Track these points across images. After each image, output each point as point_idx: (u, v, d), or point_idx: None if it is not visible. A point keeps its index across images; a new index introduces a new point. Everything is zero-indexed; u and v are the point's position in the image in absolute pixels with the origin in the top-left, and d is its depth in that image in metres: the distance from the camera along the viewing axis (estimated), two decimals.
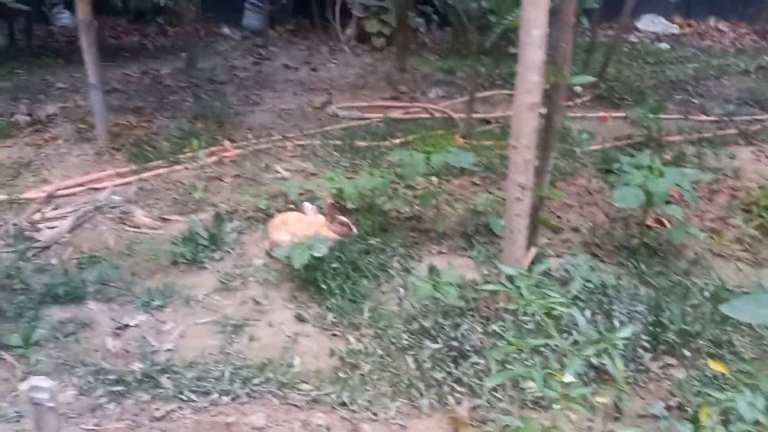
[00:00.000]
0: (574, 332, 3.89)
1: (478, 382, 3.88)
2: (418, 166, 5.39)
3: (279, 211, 6.08)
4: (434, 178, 6.33)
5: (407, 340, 4.31)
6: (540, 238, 5.27)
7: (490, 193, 6.37)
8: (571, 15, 4.34)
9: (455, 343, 4.13)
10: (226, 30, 14.25)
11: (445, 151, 5.44)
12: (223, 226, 5.83)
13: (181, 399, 3.88)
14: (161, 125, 8.55)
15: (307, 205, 5.47)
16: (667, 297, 4.62)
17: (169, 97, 9.79)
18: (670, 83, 10.62)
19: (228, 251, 5.60)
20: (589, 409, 3.05)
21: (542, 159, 4.46)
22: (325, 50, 12.93)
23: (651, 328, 4.24)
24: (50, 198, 6.62)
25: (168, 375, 4.10)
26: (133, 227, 6.10)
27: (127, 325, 4.64)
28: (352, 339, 4.47)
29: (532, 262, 4.46)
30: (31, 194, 6.69)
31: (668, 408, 3.70)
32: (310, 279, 4.99)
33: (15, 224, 6.00)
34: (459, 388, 3.86)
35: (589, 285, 4.71)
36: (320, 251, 4.89)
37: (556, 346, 3.08)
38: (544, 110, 4.40)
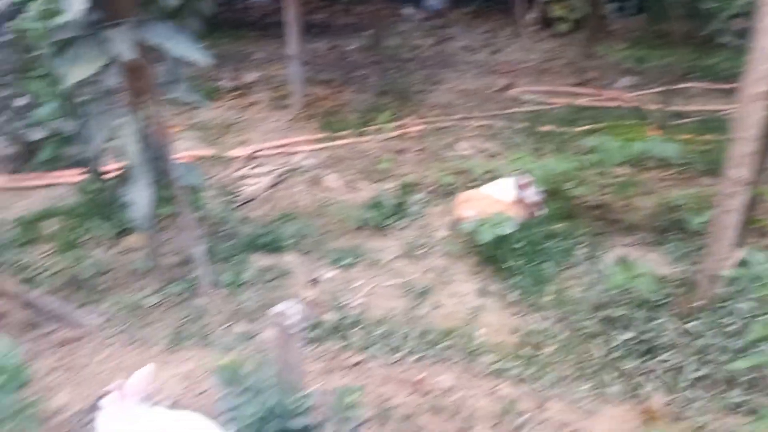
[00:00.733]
0: None
1: (671, 377, 3.73)
2: (615, 154, 5.22)
3: (462, 187, 6.16)
4: (629, 168, 6.10)
5: (594, 327, 4.23)
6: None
7: (688, 188, 6.02)
8: None
9: (648, 336, 4.00)
10: (407, 11, 14.53)
11: (645, 141, 5.22)
12: (407, 197, 6.01)
13: (370, 352, 4.06)
14: (349, 98, 8.93)
15: (508, 180, 5.48)
16: None
17: (355, 71, 10.19)
18: None
19: (412, 221, 5.77)
20: None
21: (762, 154, 4.15)
22: (505, 33, 12.80)
23: None
24: (251, 157, 7.16)
25: (358, 328, 4.32)
26: (325, 190, 6.44)
27: (320, 279, 4.93)
28: (534, 319, 4.45)
29: (738, 264, 4.18)
30: (234, 152, 7.27)
31: None
32: (493, 256, 5.03)
33: (221, 179, 6.55)
34: (651, 381, 3.73)
35: None
36: (506, 229, 4.90)
37: None
38: None
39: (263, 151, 7.28)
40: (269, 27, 11.05)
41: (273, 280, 4.84)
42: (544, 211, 5.42)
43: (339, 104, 8.58)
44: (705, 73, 9.03)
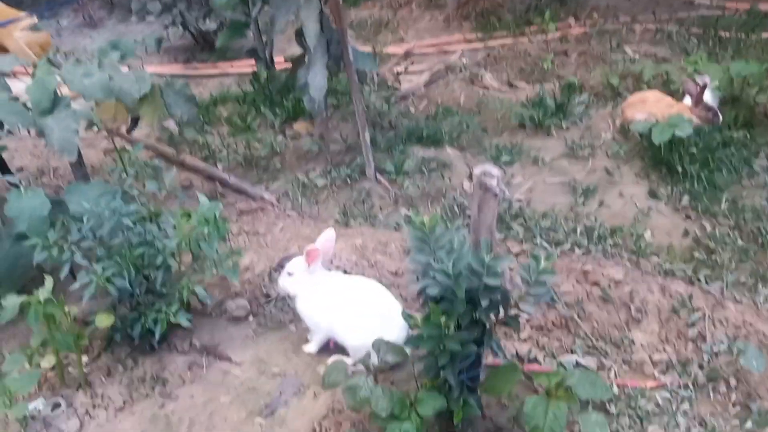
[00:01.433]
0: None
1: None
2: None
3: (631, 90, 5.85)
4: None
5: None
6: None
7: None
8: None
9: None
10: None
11: None
12: (571, 97, 5.80)
13: (533, 243, 4.06)
14: None
15: (685, 83, 5.16)
16: None
17: None
18: None
19: (575, 122, 5.59)
20: None
21: None
22: None
23: None
24: (407, 55, 7.14)
25: (520, 220, 4.32)
26: (482, 88, 6.34)
27: None
28: (707, 225, 4.24)
29: None
30: (390, 49, 7.28)
31: None
32: (664, 159, 4.79)
33: (378, 74, 6.59)
34: None
35: None
36: (684, 131, 4.64)
37: None
38: None
39: (419, 49, 7.23)
40: None
41: (433, 171, 4.90)
42: (721, 117, 5.04)
43: (494, 4, 8.28)
44: None
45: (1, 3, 7.07)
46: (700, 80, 5.03)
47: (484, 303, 2.32)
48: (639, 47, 6.97)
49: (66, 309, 2.82)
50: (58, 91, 3.35)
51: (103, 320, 2.94)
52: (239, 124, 5.62)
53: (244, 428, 2.86)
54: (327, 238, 3.12)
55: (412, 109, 6.00)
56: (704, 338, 3.23)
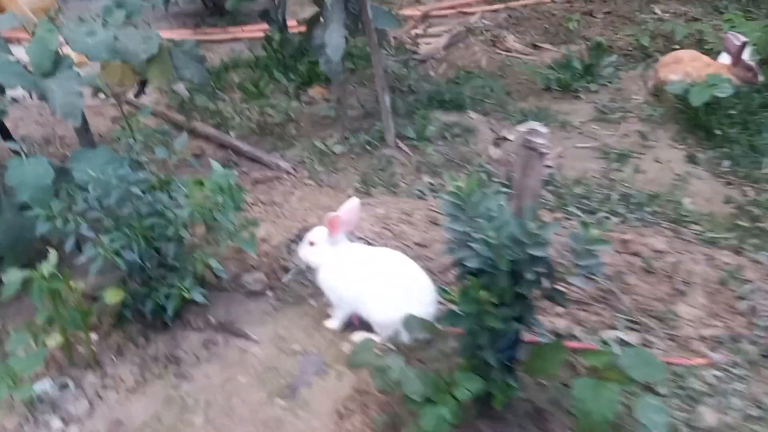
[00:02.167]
0: None
1: None
2: None
3: (662, 50, 5.56)
4: None
5: None
6: None
7: None
8: None
9: None
10: None
11: None
12: (600, 59, 5.50)
13: (565, 211, 3.82)
14: None
15: (722, 42, 4.86)
16: None
17: None
18: None
19: (604, 84, 5.31)
20: None
21: None
22: None
23: None
24: (425, 17, 6.83)
25: (550, 189, 4.07)
26: (504, 51, 6.05)
27: (505, 138, 4.67)
28: (750, 191, 3.98)
29: None
30: (407, 11, 6.97)
31: None
32: (701, 122, 4.52)
33: (395, 37, 6.30)
34: None
35: None
36: (724, 91, 4.35)
37: None
38: None
39: (436, 11, 6.92)
40: None
41: (457, 136, 4.66)
42: (761, 78, 4.74)
43: None
44: None
45: None
46: (736, 39, 4.72)
47: (529, 276, 2.10)
48: (668, 6, 6.65)
49: (72, 284, 2.62)
50: (60, 51, 3.11)
51: (113, 296, 2.74)
52: (252, 91, 5.37)
53: (265, 410, 2.67)
54: (350, 206, 2.90)
55: (432, 73, 5.73)
56: (756, 312, 2.99)
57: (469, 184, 2.16)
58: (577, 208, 3.88)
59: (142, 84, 4.03)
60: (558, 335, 2.91)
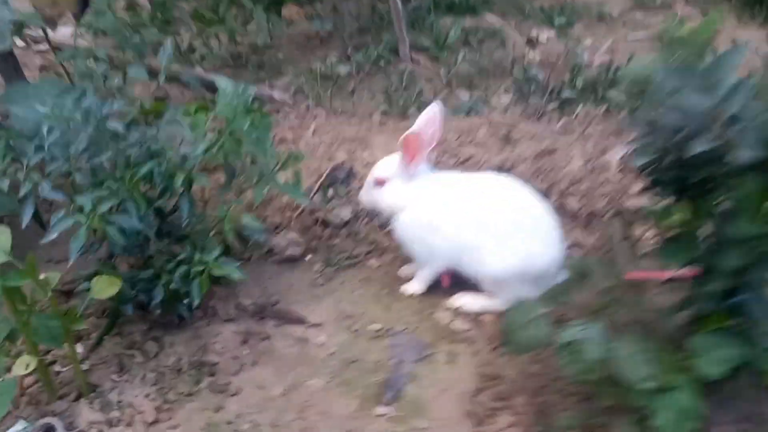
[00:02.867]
0: None
1: None
2: None
3: None
4: None
5: None
6: None
7: None
8: None
9: None
10: None
11: None
12: None
13: None
14: None
15: None
16: None
17: None
18: None
19: None
20: None
21: None
22: None
23: None
24: None
25: (607, 87, 3.28)
26: None
27: (537, 39, 3.83)
28: None
29: None
30: None
31: None
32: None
33: None
34: None
35: None
36: None
37: None
38: None
39: None
40: None
41: (483, 42, 3.77)
42: None
43: None
44: None
45: None
46: None
47: None
48: None
49: (42, 277, 1.64)
50: None
51: (104, 287, 1.78)
52: (211, 18, 4.28)
53: (363, 425, 1.79)
54: (431, 116, 2.01)
55: None
56: None
57: (709, 24, 1.30)
58: None
59: (83, 3, 2.95)
60: None
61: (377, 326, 2.12)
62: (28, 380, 1.92)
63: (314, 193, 2.66)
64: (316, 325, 2.13)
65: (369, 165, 2.76)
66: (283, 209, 2.62)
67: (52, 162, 1.76)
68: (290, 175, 2.03)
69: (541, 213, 2.05)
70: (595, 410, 1.61)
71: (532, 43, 3.84)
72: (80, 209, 1.68)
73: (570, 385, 1.84)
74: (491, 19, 4.08)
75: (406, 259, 2.39)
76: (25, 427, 1.82)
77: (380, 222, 2.51)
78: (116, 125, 1.83)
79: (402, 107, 3.21)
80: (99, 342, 2.04)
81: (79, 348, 2.02)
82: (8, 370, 1.76)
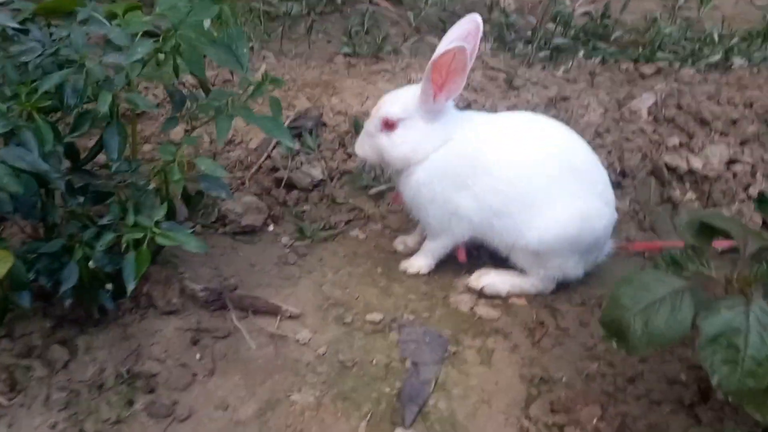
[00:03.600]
0: None
1: None
2: None
3: None
4: None
5: None
6: None
7: None
8: None
9: None
10: None
11: None
12: None
13: (653, 62, 2.63)
14: None
15: None
16: None
17: None
18: None
19: None
20: None
21: None
22: None
23: None
24: None
25: (617, 36, 2.87)
26: None
27: None
28: None
29: None
30: None
31: None
32: None
33: None
34: None
35: None
36: None
37: None
38: None
39: None
40: None
41: None
42: None
43: None
44: None
45: None
46: None
47: None
48: None
49: None
50: None
51: None
52: None
53: None
54: (470, 29, 1.46)
55: None
56: None
57: None
58: (671, 54, 2.68)
59: None
60: None
61: (377, 316, 1.57)
62: None
63: (273, 148, 2.07)
64: (294, 316, 1.56)
65: (340, 113, 2.20)
66: (232, 166, 2.02)
67: None
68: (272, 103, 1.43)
69: (597, 162, 1.57)
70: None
71: None
72: None
73: (654, 389, 1.37)
74: None
75: (400, 229, 1.86)
76: None
77: (363, 183, 1.96)
78: (3, 18, 1.17)
79: (370, 49, 2.64)
80: None
81: None
82: None
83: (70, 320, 1.46)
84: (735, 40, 2.73)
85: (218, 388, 1.40)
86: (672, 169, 2.02)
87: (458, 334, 1.55)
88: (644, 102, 2.14)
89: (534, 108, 2.15)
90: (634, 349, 1.03)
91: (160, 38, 1.22)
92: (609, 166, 2.01)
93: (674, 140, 2.03)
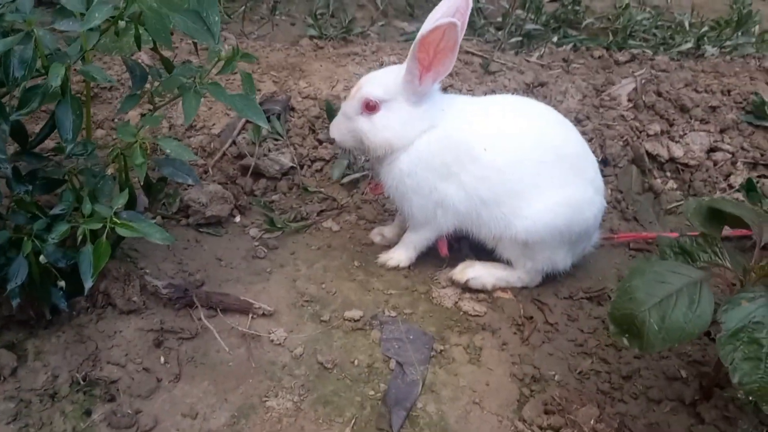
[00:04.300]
0: None
1: None
2: None
3: None
4: None
5: None
6: None
7: None
8: None
9: None
10: None
11: None
12: None
13: (627, 50, 2.59)
14: None
15: None
16: None
17: None
18: None
19: None
20: None
21: None
22: None
23: None
24: None
25: (589, 23, 2.83)
26: None
27: None
28: None
29: None
30: None
31: None
32: None
33: None
34: None
35: None
36: None
37: None
38: None
39: None
40: None
41: None
42: None
43: None
44: None
45: None
46: None
47: None
48: None
49: None
50: None
51: None
52: None
53: None
54: (460, 1, 1.37)
55: None
56: None
57: None
58: (643, 42, 2.65)
59: None
60: None
61: (356, 313, 1.47)
62: None
63: (238, 133, 1.93)
64: (267, 314, 1.44)
65: (309, 98, 2.08)
66: (194, 152, 1.87)
67: None
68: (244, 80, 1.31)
69: (587, 148, 1.50)
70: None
71: None
72: None
73: (652, 386, 1.31)
74: None
75: (376, 219, 1.75)
76: None
77: (339, 172, 1.85)
78: None
79: (337, 32, 2.52)
80: None
81: None
82: None
83: (19, 322, 1.31)
84: (705, 28, 2.70)
85: (186, 394, 1.28)
86: (653, 157, 1.97)
87: (443, 331, 1.46)
88: (624, 88, 2.08)
89: (512, 93, 2.07)
90: (650, 346, 0.95)
91: (120, 4, 1.08)
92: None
93: (655, 127, 1.98)
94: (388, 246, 1.65)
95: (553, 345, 1.45)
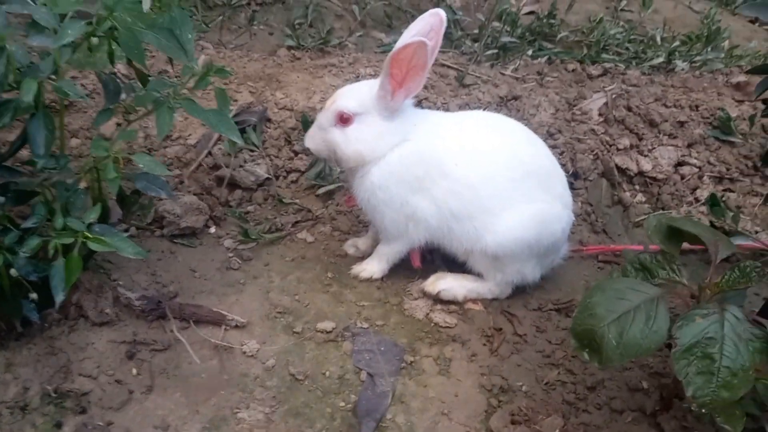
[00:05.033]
0: None
1: None
2: None
3: None
4: None
5: None
6: None
7: None
8: None
9: None
10: None
11: None
12: None
13: (599, 63, 2.65)
14: None
15: None
16: None
17: None
18: None
19: None
20: None
21: None
22: None
23: None
24: None
25: (564, 37, 2.88)
26: None
27: None
28: None
29: None
30: None
31: None
32: None
33: None
34: None
35: None
36: None
37: None
38: None
39: None
40: None
41: None
42: None
43: None
44: None
45: None
46: None
47: None
48: None
49: None
50: None
51: None
52: None
53: None
54: (433, 22, 1.40)
55: None
56: None
57: None
58: (616, 56, 2.70)
59: None
60: None
61: (329, 325, 1.48)
62: None
63: (214, 144, 1.94)
64: (240, 325, 1.45)
65: (286, 109, 2.10)
66: (169, 163, 1.88)
67: None
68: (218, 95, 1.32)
69: (556, 164, 1.53)
70: None
71: None
72: None
73: (615, 397, 1.34)
74: None
75: (350, 231, 1.78)
76: None
77: (315, 173, 1.87)
78: None
79: (314, 42, 2.54)
80: None
81: None
82: None
83: None
84: (676, 43, 2.76)
85: (157, 406, 1.29)
86: (622, 171, 2.01)
87: (414, 342, 1.48)
88: (595, 103, 2.13)
89: (486, 107, 2.11)
90: (608, 360, 0.98)
91: (93, 20, 1.09)
92: (562, 168, 1.98)
93: (624, 141, 2.02)
94: (362, 257, 1.67)
95: (522, 356, 1.48)
